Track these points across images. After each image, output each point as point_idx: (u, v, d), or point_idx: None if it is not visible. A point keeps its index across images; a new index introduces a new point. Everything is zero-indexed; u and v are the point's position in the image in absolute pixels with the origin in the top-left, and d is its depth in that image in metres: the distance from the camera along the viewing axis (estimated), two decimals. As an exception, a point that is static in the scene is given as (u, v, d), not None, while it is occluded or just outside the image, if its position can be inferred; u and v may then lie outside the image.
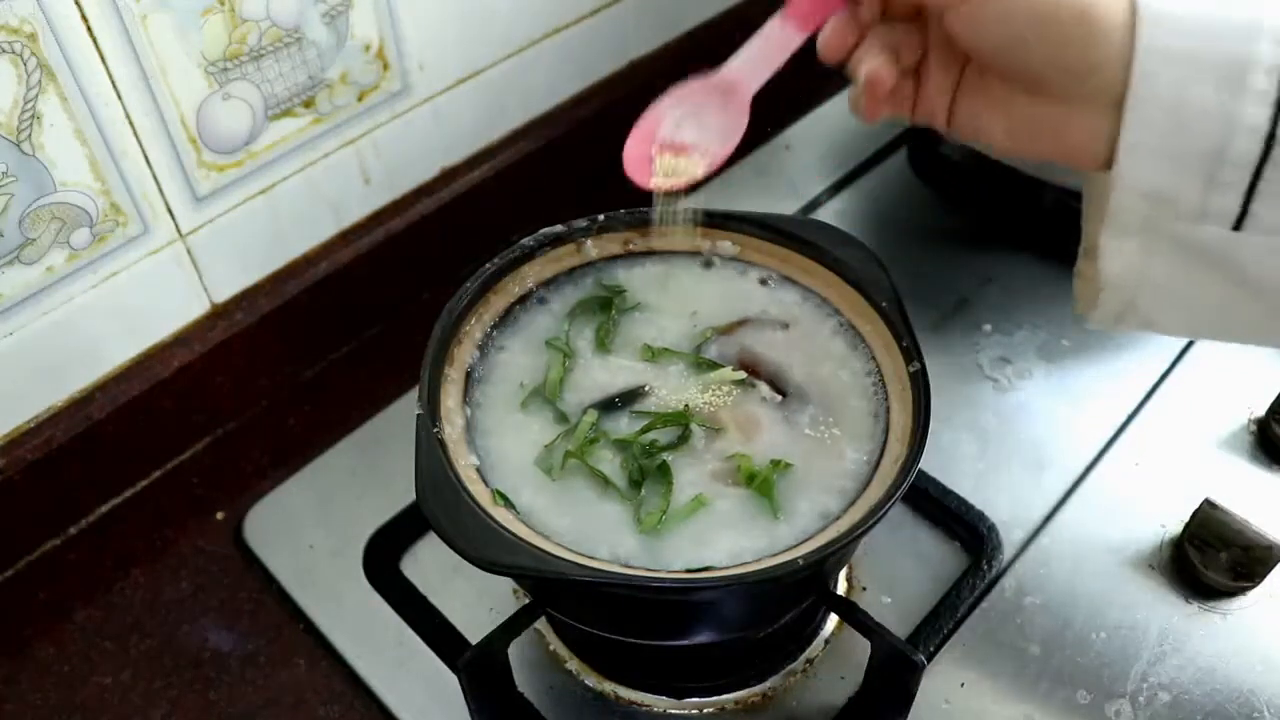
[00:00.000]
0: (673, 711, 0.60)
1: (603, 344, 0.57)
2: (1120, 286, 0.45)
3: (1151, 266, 0.44)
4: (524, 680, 0.60)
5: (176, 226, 0.67)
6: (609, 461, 0.52)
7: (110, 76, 0.59)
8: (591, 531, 0.49)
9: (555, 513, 0.50)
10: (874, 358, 0.55)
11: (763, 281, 0.60)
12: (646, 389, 0.55)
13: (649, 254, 0.61)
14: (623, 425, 0.54)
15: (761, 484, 0.50)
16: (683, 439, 0.53)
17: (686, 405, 0.54)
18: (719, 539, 0.49)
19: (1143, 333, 0.47)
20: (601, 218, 0.60)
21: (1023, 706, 0.59)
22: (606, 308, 0.58)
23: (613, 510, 0.50)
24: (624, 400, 0.55)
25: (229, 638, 0.65)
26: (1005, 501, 0.68)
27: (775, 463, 0.51)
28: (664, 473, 0.51)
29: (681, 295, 0.60)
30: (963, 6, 0.42)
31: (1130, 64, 0.40)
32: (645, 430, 0.53)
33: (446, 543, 0.44)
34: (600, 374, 0.56)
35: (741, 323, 0.58)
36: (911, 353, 0.52)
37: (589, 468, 0.51)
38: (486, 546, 0.44)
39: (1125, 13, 0.40)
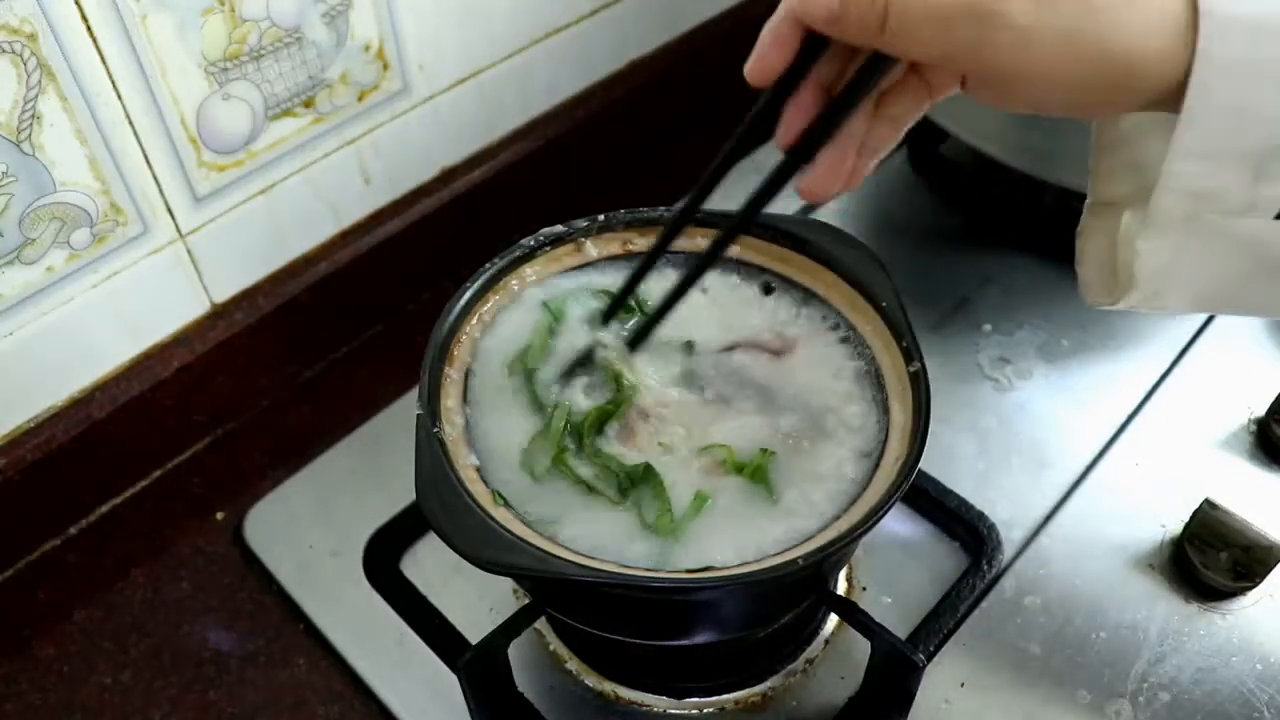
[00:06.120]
0: (673, 711, 0.60)
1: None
2: (1150, 279, 0.45)
3: (1182, 257, 0.43)
4: (524, 680, 0.60)
5: (176, 226, 0.67)
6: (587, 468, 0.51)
7: (110, 76, 0.59)
8: (590, 532, 0.49)
9: (555, 512, 0.50)
10: (874, 358, 0.55)
11: (765, 286, 0.60)
12: (596, 354, 0.54)
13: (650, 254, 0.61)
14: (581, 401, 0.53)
15: (754, 471, 0.50)
16: (616, 403, 0.52)
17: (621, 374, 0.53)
18: (718, 532, 0.49)
19: (1147, 309, 0.47)
20: (601, 218, 0.60)
21: (1023, 706, 0.59)
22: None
23: (613, 509, 0.50)
24: (580, 365, 0.54)
25: (229, 638, 0.65)
26: (1005, 501, 0.68)
27: (764, 451, 0.51)
28: (649, 475, 0.50)
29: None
30: (984, 91, 0.41)
31: (1189, 71, 0.38)
32: (598, 413, 0.52)
33: (446, 543, 0.44)
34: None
35: (736, 345, 0.57)
36: (911, 353, 0.52)
37: (573, 475, 0.51)
38: (486, 546, 0.44)
39: (1172, 36, 0.38)
